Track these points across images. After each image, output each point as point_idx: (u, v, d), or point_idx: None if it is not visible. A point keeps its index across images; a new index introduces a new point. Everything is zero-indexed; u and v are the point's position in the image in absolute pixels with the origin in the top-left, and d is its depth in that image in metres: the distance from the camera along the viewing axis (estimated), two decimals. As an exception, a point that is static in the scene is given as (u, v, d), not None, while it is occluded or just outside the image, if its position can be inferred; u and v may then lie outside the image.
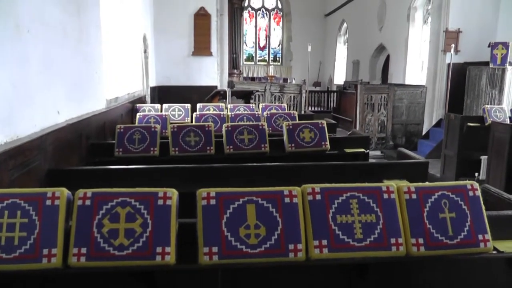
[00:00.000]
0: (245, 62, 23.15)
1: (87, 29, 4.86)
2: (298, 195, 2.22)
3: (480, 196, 2.38)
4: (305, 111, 10.96)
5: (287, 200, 2.20)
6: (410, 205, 2.28)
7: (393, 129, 10.75)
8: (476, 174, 7.12)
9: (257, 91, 10.70)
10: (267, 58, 24.07)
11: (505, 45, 8.46)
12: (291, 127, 4.65)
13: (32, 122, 3.25)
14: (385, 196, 2.28)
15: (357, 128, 10.56)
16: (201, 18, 10.20)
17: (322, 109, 18.16)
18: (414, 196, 2.30)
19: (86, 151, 4.51)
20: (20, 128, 3.04)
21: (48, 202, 2.08)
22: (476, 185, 2.39)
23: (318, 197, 2.23)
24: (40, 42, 3.45)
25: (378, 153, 10.42)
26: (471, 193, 2.36)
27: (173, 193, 2.16)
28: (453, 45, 9.47)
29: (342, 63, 21.23)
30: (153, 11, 9.83)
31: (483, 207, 2.35)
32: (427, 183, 2.42)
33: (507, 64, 8.49)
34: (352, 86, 13.69)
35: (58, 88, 3.87)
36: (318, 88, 21.12)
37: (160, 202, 2.13)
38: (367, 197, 2.27)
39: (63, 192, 2.10)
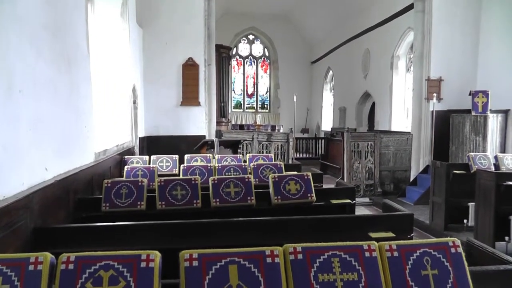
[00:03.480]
0: (233, 110, 23.45)
1: (77, 84, 4.94)
2: (280, 255, 2.24)
3: (462, 253, 2.41)
4: (292, 159, 11.04)
5: (269, 260, 2.22)
6: (392, 263, 2.31)
7: (381, 176, 10.83)
8: (465, 221, 7.15)
9: (245, 140, 10.79)
10: (255, 106, 24.37)
11: (485, 93, 8.69)
12: (277, 179, 4.69)
13: (20, 181, 3.27)
14: (367, 254, 2.31)
15: (345, 175, 10.63)
16: (189, 68, 10.38)
17: (310, 155, 18.30)
18: (396, 253, 2.33)
19: (73, 206, 4.50)
20: (7, 188, 3.05)
21: (31, 267, 2.08)
22: (458, 241, 2.42)
23: (300, 256, 2.25)
24: (31, 101, 3.51)
25: (366, 200, 10.45)
26: (453, 250, 2.39)
27: (156, 255, 2.17)
28: (435, 94, 9.71)
29: (329, 109, 21.56)
30: (143, 61, 10.01)
31: (466, 263, 2.38)
32: (408, 241, 2.45)
33: (488, 112, 8.70)
34: (339, 133, 13.88)
35: (47, 145, 3.90)
36: (306, 135, 21.33)
37: (143, 264, 2.14)
38: (348, 256, 2.29)
39: (46, 256, 2.11)
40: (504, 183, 6.01)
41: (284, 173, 5.45)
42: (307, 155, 18.52)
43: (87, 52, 5.45)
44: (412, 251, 2.35)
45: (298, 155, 17.52)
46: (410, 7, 11.57)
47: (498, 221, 6.00)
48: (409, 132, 11.18)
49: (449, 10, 10.11)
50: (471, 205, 6.90)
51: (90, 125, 5.46)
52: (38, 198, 3.46)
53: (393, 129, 13.52)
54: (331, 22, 19.35)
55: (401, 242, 2.40)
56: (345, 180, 10.45)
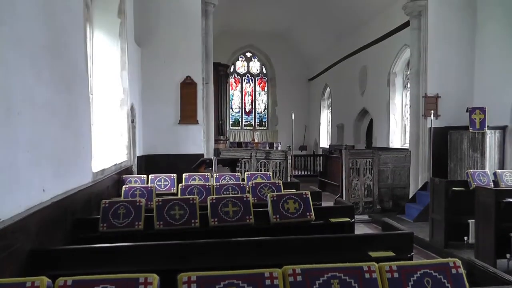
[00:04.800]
0: (231, 127, 23.47)
1: (76, 105, 4.94)
2: (279, 277, 2.22)
3: (464, 273, 2.39)
4: (291, 176, 11.03)
5: (268, 282, 2.20)
6: (392, 284, 2.29)
7: (380, 193, 10.81)
8: (466, 238, 7.11)
9: (243, 158, 10.79)
10: (253, 123, 24.42)
11: (482, 110, 8.73)
12: (275, 198, 4.67)
13: (17, 203, 3.24)
14: (367, 275, 2.28)
15: (344, 193, 10.60)
16: (187, 87, 10.39)
17: (308, 172, 18.29)
18: (396, 274, 2.31)
19: (71, 227, 4.46)
20: (4, 210, 3.02)
21: (27, 292, 2.05)
22: (459, 262, 2.40)
23: (299, 278, 2.23)
24: (29, 123, 3.50)
25: (366, 217, 10.41)
26: (454, 271, 2.37)
27: (154, 278, 2.15)
28: (432, 111, 9.75)
29: (327, 126, 21.62)
30: (141, 80, 10.03)
31: (467, 284, 2.36)
32: (409, 262, 2.43)
33: (486, 128, 8.72)
34: (337, 150, 13.89)
35: (44, 166, 3.88)
36: (304, 152, 21.34)
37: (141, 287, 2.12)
38: (348, 277, 2.27)
39: (43, 281, 2.08)
40: (504, 200, 5.99)
41: (283, 192, 5.43)
42: (306, 172, 18.54)
43: (86, 72, 5.46)
44: (412, 272, 2.33)
45: (296, 173, 17.52)
46: (406, 24, 11.68)
47: (499, 239, 5.97)
48: (407, 149, 11.20)
49: (445, 28, 10.22)
50: (471, 222, 6.87)
51: (88, 145, 5.45)
52: (35, 220, 3.43)
53: (391, 146, 13.54)
54: (328, 39, 19.51)
55: (401, 262, 2.38)
56: (344, 197, 10.43)
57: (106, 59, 7.40)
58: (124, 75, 7.91)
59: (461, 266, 2.40)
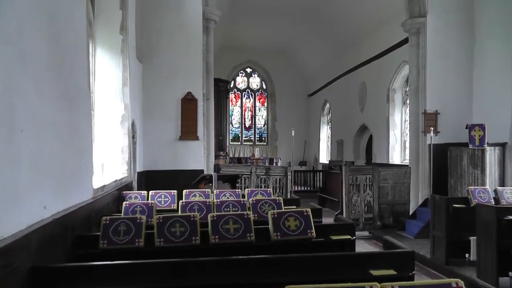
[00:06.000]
0: (231, 143, 23.53)
1: (78, 122, 4.95)
2: (282, 297, 2.22)
3: (465, 293, 2.38)
4: (291, 192, 11.02)
5: (271, 303, 2.19)
6: (395, 305, 2.28)
7: (380, 209, 10.80)
8: (467, 255, 7.07)
9: (243, 174, 10.79)
10: (253, 138, 24.46)
11: (482, 126, 8.76)
12: (276, 215, 4.67)
13: (18, 221, 3.23)
14: (370, 296, 2.28)
15: (344, 209, 10.59)
16: (188, 103, 10.42)
17: (308, 188, 18.27)
18: (398, 295, 2.30)
19: (71, 243, 4.44)
20: (5, 228, 3.02)
21: (29, 312, 2.05)
22: (461, 283, 2.40)
23: (303, 299, 2.23)
24: (32, 140, 3.50)
25: (366, 233, 10.39)
26: (455, 291, 2.37)
27: (157, 299, 2.15)
28: (432, 127, 9.78)
29: (326, 142, 21.66)
30: (142, 96, 10.06)
31: (469, 304, 2.36)
32: (411, 282, 2.43)
33: (486, 145, 8.74)
34: (337, 166, 13.89)
35: (46, 183, 3.87)
36: (304, 168, 21.35)
37: (143, 308, 2.11)
38: (351, 298, 2.27)
39: (45, 300, 2.08)
40: (505, 218, 5.99)
41: (283, 209, 5.42)
42: (305, 188, 18.53)
43: (88, 89, 5.48)
44: (415, 292, 2.33)
45: (296, 188, 17.50)
46: (405, 41, 11.79)
47: (501, 256, 5.95)
48: (407, 165, 11.21)
49: (443, 45, 10.31)
50: (473, 239, 6.84)
51: (89, 162, 5.45)
52: (36, 237, 3.42)
53: (391, 162, 13.55)
54: (328, 55, 19.65)
55: (404, 283, 2.38)
56: (344, 213, 10.42)
57: (108, 75, 7.44)
58: (125, 91, 7.94)
59: (464, 287, 2.39)
